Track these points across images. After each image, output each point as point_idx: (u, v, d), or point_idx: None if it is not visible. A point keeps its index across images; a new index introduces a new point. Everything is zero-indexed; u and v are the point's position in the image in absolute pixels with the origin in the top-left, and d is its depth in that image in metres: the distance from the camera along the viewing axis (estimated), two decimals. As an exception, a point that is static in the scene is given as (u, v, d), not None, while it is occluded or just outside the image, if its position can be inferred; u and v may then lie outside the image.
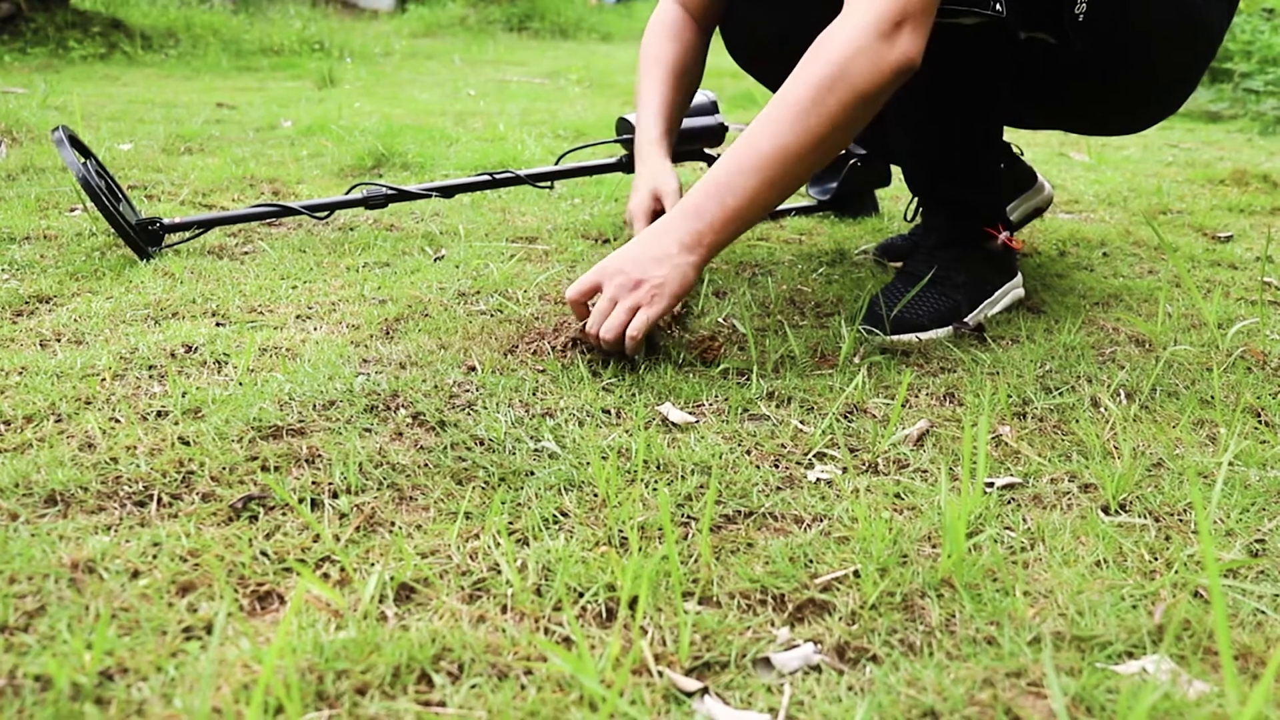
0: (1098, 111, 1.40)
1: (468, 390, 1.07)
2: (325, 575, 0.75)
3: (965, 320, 1.32)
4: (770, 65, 1.46)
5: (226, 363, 1.13)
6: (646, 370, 1.13)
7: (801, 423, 1.04)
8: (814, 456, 0.97)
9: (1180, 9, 1.23)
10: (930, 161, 1.37)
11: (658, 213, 1.45)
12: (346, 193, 1.70)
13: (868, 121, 1.09)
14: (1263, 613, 0.73)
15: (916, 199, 1.65)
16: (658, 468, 0.93)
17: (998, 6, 1.13)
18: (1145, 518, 0.87)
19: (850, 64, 1.04)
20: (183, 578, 0.73)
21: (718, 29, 1.53)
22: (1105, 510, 0.88)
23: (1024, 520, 0.86)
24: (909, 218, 1.72)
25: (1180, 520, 0.87)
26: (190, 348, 1.16)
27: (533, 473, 0.91)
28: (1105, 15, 1.20)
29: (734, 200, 1.09)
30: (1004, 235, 1.38)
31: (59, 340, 1.19)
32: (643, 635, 0.69)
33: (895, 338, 1.27)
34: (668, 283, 1.10)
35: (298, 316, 1.31)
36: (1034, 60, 1.27)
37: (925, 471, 0.95)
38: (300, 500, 0.85)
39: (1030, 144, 2.96)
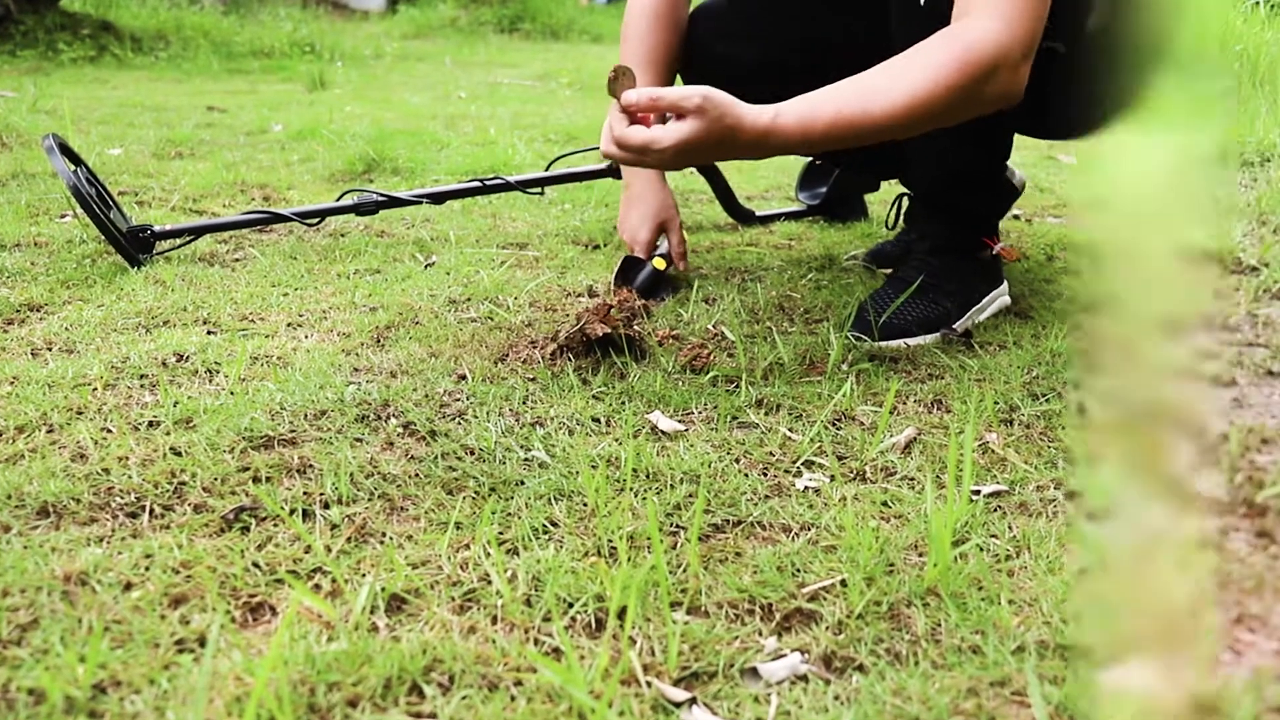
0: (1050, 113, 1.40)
1: (458, 399, 1.08)
2: (317, 586, 0.76)
3: (954, 327, 1.33)
4: (745, 90, 1.26)
5: (218, 371, 1.13)
6: (636, 378, 1.14)
7: (790, 430, 1.05)
8: (802, 464, 0.98)
9: None
10: (949, 165, 1.34)
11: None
12: (338, 199, 1.70)
13: (945, 124, 1.09)
14: (1243, 620, 0.74)
15: (908, 204, 1.66)
16: (647, 477, 0.94)
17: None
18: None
19: (987, 63, 1.04)
20: (175, 589, 0.74)
21: (679, 71, 1.51)
22: (1090, 517, 0.89)
23: (1009, 528, 0.87)
24: (890, 225, 1.73)
25: (1163, 527, 0.88)
26: (182, 356, 1.17)
27: (523, 482, 0.91)
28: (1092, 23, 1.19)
29: (821, 128, 1.07)
30: (999, 246, 1.39)
31: (50, 349, 1.19)
32: (631, 645, 0.70)
33: (884, 344, 1.28)
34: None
35: (289, 324, 1.31)
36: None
37: (912, 479, 0.95)
38: (291, 511, 0.85)
39: (1020, 147, 2.97)
